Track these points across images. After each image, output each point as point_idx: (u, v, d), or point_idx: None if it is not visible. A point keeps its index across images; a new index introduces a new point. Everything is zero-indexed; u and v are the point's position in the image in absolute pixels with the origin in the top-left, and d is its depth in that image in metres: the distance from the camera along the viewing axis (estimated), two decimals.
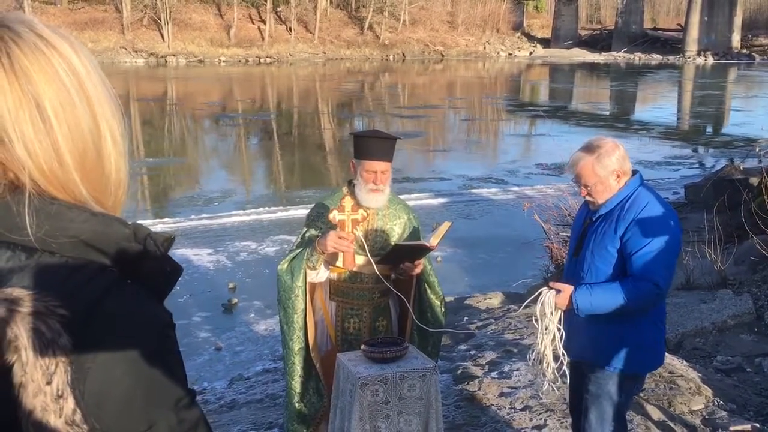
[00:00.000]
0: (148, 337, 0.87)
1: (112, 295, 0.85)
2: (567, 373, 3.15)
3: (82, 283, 0.84)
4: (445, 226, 3.38)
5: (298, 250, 3.39)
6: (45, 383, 0.78)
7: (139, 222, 0.92)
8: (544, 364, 3.10)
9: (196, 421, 0.92)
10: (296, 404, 3.48)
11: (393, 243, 3.47)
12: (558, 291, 3.01)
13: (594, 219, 3.08)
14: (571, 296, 2.97)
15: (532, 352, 3.17)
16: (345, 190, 3.45)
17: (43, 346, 0.78)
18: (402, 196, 3.95)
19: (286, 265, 3.38)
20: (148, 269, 0.90)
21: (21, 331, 0.77)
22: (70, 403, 0.79)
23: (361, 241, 3.28)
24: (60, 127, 0.85)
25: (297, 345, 3.41)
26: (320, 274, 3.37)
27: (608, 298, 2.92)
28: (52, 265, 0.84)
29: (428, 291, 3.56)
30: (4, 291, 0.80)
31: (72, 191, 0.88)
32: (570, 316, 3.06)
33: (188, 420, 0.90)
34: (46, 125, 0.85)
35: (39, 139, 0.84)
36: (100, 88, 0.91)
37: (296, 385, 3.46)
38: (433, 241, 3.25)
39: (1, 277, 0.82)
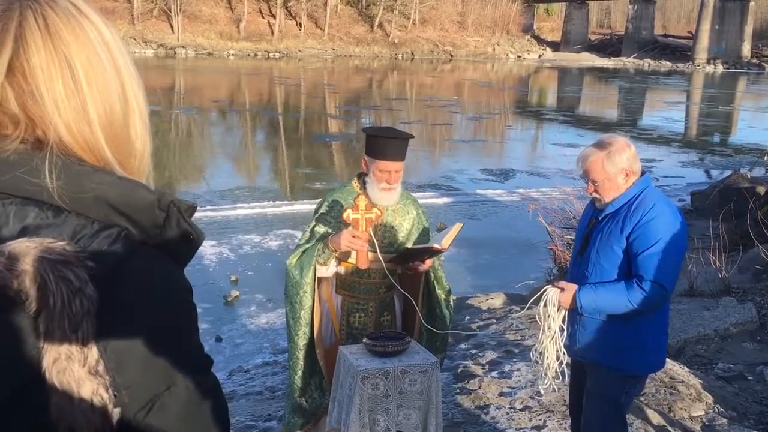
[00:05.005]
0: (170, 301, 0.89)
1: (135, 257, 0.87)
2: (567, 372, 3.14)
3: (108, 244, 0.86)
4: (457, 227, 3.33)
5: (308, 245, 3.34)
6: (71, 331, 0.79)
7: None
8: (545, 362, 3.08)
9: (212, 387, 0.93)
10: (298, 399, 3.46)
11: (401, 238, 3.45)
12: (562, 289, 3.00)
13: (600, 218, 3.07)
14: (575, 295, 2.96)
15: (536, 350, 3.16)
16: (356, 185, 3.42)
17: (71, 293, 0.79)
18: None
19: (295, 260, 3.33)
20: (170, 236, 0.91)
21: (50, 278, 0.79)
22: (94, 353, 0.81)
23: (371, 237, 3.24)
24: (89, 88, 0.88)
25: (302, 341, 3.38)
26: (329, 269, 3.36)
27: (612, 298, 2.91)
28: (80, 224, 0.86)
29: (436, 286, 3.54)
30: (34, 239, 0.81)
31: (98, 151, 0.90)
32: (574, 315, 3.05)
33: (205, 384, 0.92)
34: (76, 84, 0.87)
35: (68, 96, 0.87)
36: (128, 62, 0.94)
37: (299, 380, 3.43)
38: (445, 243, 3.22)
39: (28, 233, 0.84)
